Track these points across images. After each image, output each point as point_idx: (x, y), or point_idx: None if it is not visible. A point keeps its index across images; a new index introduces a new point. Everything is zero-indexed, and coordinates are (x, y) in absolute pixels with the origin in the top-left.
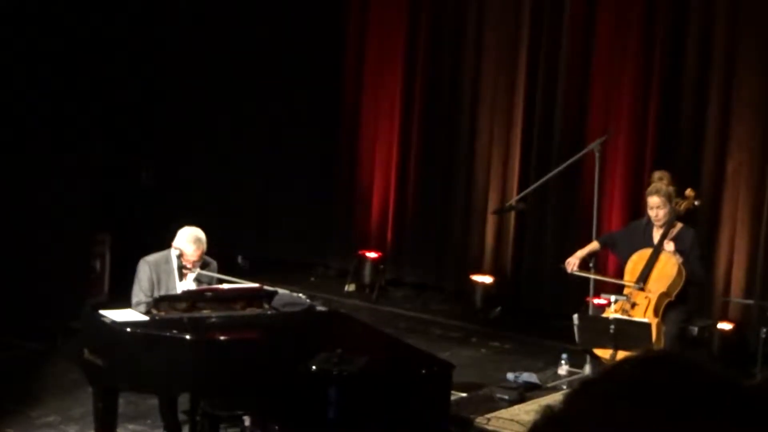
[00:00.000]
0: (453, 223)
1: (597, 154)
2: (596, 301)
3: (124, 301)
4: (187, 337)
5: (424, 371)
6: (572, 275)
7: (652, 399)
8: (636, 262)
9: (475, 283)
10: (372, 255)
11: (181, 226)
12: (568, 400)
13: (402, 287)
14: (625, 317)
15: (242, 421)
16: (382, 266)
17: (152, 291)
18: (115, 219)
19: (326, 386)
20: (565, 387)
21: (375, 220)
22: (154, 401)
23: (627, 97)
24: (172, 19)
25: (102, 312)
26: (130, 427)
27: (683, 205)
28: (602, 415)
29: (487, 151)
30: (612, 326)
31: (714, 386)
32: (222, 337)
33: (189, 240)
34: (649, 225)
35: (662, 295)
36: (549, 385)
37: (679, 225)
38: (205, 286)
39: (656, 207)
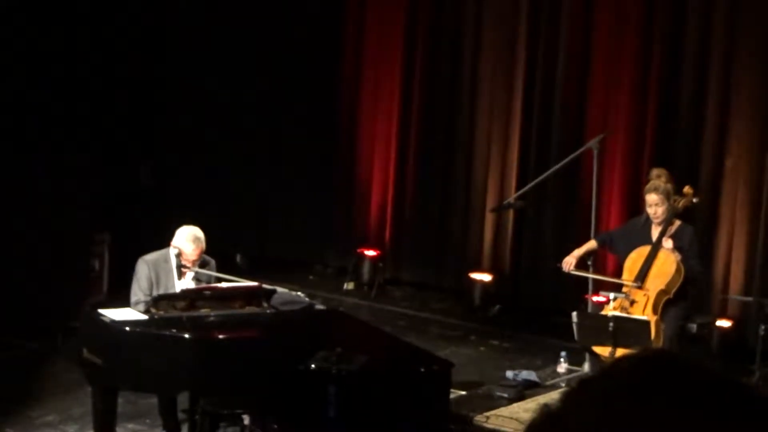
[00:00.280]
0: (452, 221)
1: (595, 152)
2: (595, 298)
3: (124, 301)
4: (186, 335)
5: (423, 370)
6: (569, 275)
7: (650, 397)
8: (635, 259)
9: (474, 281)
10: (371, 253)
11: (180, 225)
12: (566, 398)
13: (401, 285)
14: (624, 315)
15: (241, 420)
16: (380, 265)
17: (151, 290)
18: (115, 219)
19: (325, 385)
20: (564, 385)
21: (374, 218)
22: (153, 400)
23: (625, 95)
24: (173, 19)
25: (101, 311)
26: (130, 426)
27: (682, 203)
28: (600, 413)
29: (486, 149)
30: (611, 324)
31: (713, 384)
32: (221, 336)
33: (188, 239)
34: (648, 222)
35: (661, 293)
36: (548, 383)
37: (678, 222)
38: (204, 285)
39: (655, 204)
